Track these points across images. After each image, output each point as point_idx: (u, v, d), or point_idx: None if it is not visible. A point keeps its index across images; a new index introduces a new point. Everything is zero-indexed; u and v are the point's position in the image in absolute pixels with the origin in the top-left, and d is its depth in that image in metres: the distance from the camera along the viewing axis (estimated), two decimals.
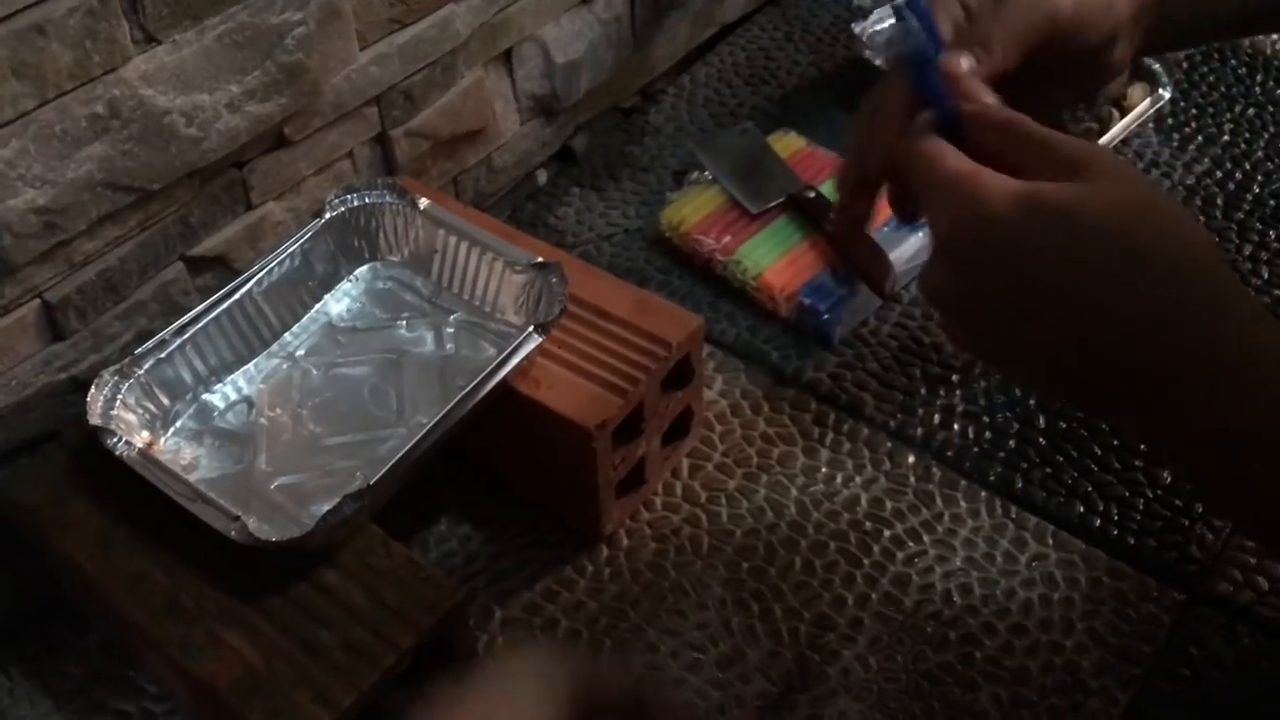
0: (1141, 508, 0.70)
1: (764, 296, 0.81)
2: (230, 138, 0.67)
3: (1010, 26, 0.52)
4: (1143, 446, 0.56)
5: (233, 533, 0.56)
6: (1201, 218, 0.88)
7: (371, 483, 0.57)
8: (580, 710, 0.42)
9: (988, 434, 0.75)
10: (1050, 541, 0.69)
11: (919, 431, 0.75)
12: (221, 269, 0.71)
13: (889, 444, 0.74)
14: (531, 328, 0.64)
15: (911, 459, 0.74)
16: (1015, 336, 0.46)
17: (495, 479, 0.73)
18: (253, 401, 0.66)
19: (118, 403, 0.62)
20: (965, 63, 0.50)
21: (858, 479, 0.73)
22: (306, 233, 0.68)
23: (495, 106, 0.84)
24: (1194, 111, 0.95)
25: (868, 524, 0.71)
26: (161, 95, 0.62)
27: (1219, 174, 0.91)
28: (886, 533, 0.70)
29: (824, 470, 0.73)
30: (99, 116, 0.60)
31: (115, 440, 0.60)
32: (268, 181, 0.71)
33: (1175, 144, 0.93)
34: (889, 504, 0.71)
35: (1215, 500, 0.50)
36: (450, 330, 0.70)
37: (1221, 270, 0.45)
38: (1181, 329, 0.43)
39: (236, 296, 0.66)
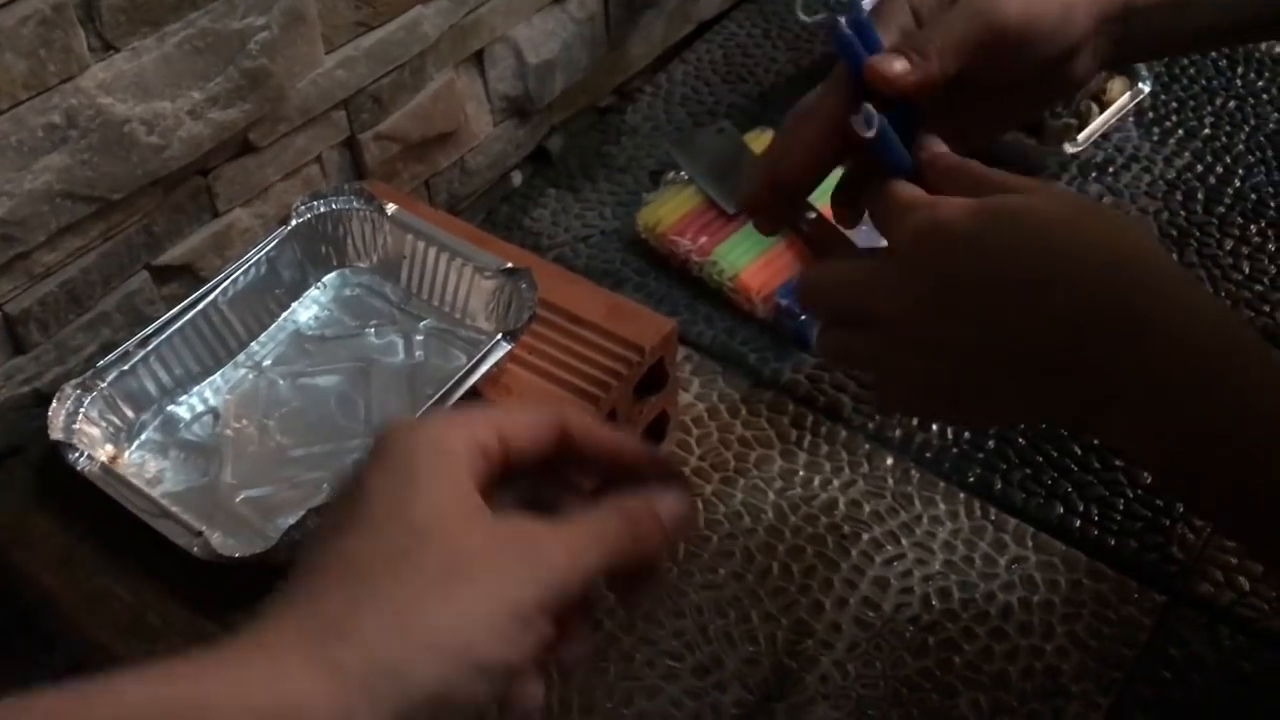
0: (1122, 508, 0.70)
1: (741, 298, 0.80)
2: (193, 145, 0.66)
3: (948, 35, 0.51)
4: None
5: (195, 549, 0.55)
6: (1182, 212, 0.87)
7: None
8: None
9: (966, 435, 0.74)
10: (1030, 543, 0.69)
11: (897, 433, 0.74)
12: (188, 278, 0.70)
13: (867, 446, 0.74)
14: (501, 335, 0.63)
15: (890, 461, 0.73)
16: (980, 345, 0.46)
17: None
18: (219, 413, 0.66)
19: (80, 416, 0.61)
20: (898, 65, 0.50)
21: (835, 482, 0.72)
22: (272, 240, 0.67)
23: (467, 108, 0.83)
24: (1174, 105, 0.94)
25: (846, 527, 0.70)
26: (121, 104, 0.61)
27: (1199, 168, 0.90)
28: (865, 536, 0.69)
29: (801, 473, 0.73)
30: (56, 126, 0.59)
31: (77, 455, 0.59)
32: (234, 188, 0.70)
33: (1155, 138, 0.92)
34: (867, 507, 0.71)
35: (1179, 497, 0.50)
36: (420, 338, 0.69)
37: (1171, 266, 0.46)
38: (1125, 315, 0.44)
39: (201, 306, 0.65)
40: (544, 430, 0.42)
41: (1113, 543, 0.68)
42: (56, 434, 0.59)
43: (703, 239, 0.82)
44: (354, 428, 0.65)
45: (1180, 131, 0.93)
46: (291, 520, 0.56)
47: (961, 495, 0.71)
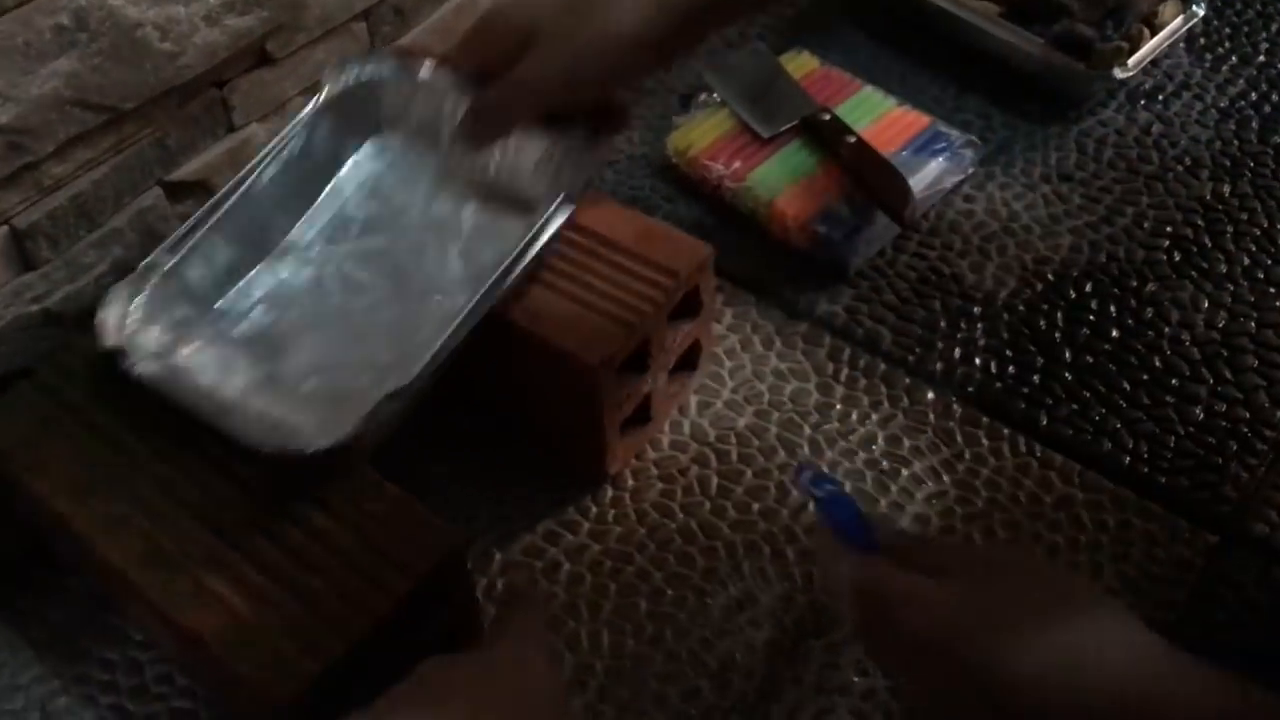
0: (1173, 445, 0.67)
1: (775, 225, 0.77)
2: (208, 54, 0.62)
3: None
4: None
5: (270, 445, 0.53)
6: (1235, 141, 0.83)
7: (410, 380, 0.54)
8: None
9: (1011, 369, 0.71)
10: (1077, 482, 0.66)
11: (939, 367, 0.71)
12: (203, 194, 0.67)
13: (907, 380, 0.71)
14: (562, 197, 0.60)
15: (931, 396, 0.70)
16: None
17: (495, 419, 0.70)
18: (270, 303, 0.62)
19: (130, 320, 0.58)
20: None
21: (874, 416, 0.69)
22: (304, 117, 0.64)
23: None
24: (1228, 30, 0.91)
25: (885, 463, 0.67)
26: (132, 6, 0.58)
27: (1254, 95, 0.86)
28: (904, 472, 0.67)
29: (839, 407, 0.70)
30: (64, 28, 0.56)
31: (133, 361, 0.56)
32: (250, 102, 0.67)
33: (1208, 64, 0.89)
34: (907, 442, 0.68)
35: None
36: (470, 205, 0.66)
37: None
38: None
39: (240, 193, 0.61)
40: None
41: (1163, 481, 0.66)
42: (109, 340, 0.57)
43: (736, 164, 0.79)
44: (413, 308, 0.62)
45: (1234, 58, 0.89)
46: (363, 409, 0.53)
47: (1006, 431, 0.68)
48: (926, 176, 0.78)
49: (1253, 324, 0.73)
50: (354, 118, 0.66)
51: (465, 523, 0.65)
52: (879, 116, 0.82)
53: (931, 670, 0.45)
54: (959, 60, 0.89)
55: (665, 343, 0.66)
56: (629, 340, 0.62)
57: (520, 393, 0.67)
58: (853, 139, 0.78)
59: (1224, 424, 0.68)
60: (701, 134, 0.81)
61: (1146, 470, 0.66)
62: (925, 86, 0.88)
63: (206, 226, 0.61)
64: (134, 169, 0.63)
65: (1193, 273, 0.76)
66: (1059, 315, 0.74)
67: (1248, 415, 0.68)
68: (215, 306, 0.62)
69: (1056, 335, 0.73)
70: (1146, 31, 0.85)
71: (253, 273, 0.63)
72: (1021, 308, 0.74)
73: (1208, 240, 0.78)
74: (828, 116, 0.80)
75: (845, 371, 0.72)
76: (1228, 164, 0.82)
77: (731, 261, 0.77)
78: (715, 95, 0.84)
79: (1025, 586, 0.45)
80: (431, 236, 0.65)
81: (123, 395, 0.59)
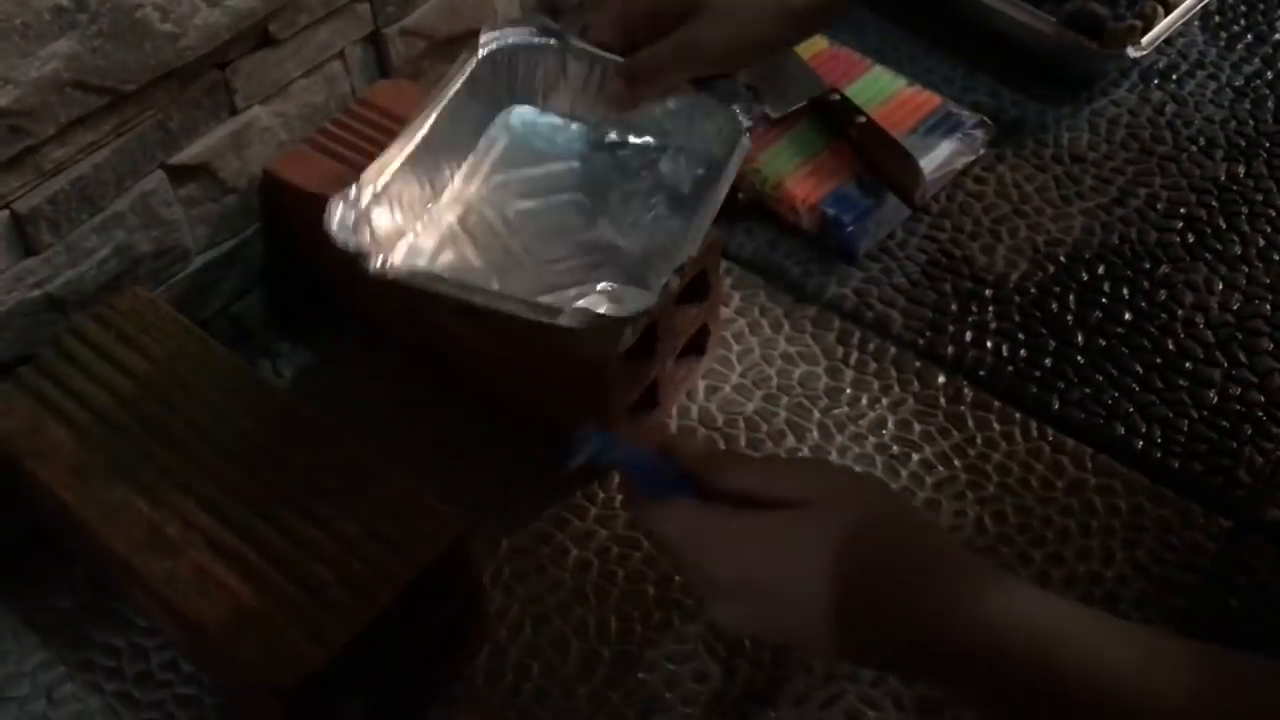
0: (1186, 429, 0.66)
1: (784, 207, 0.76)
2: (210, 35, 0.62)
3: None
4: None
5: (565, 319, 0.54)
6: (1250, 121, 0.82)
7: (695, 253, 0.58)
8: None
9: (1023, 352, 0.70)
10: (1089, 466, 0.65)
11: (950, 350, 0.71)
12: (206, 179, 0.66)
13: (917, 364, 0.70)
14: (747, 127, 0.63)
15: (942, 379, 0.69)
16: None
17: (501, 405, 0.69)
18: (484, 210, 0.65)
19: (363, 226, 0.59)
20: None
21: (884, 400, 0.69)
22: (457, 80, 0.65)
23: (496, 3, 0.79)
24: (1243, 8, 0.89)
25: (895, 447, 0.67)
26: None
27: (1269, 74, 0.85)
28: (915, 456, 0.66)
29: (848, 391, 0.69)
30: (64, 9, 0.55)
31: (380, 261, 0.58)
32: (252, 84, 0.66)
33: (1223, 43, 0.87)
34: (918, 426, 0.68)
35: None
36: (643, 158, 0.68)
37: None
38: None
39: (423, 133, 0.63)
40: None
41: (1176, 465, 0.65)
42: (346, 244, 0.57)
43: None
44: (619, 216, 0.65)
45: (1249, 36, 0.88)
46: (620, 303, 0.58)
47: (1017, 415, 0.68)
48: (937, 158, 0.77)
49: (1268, 306, 0.72)
50: (503, 80, 0.68)
51: (471, 510, 0.65)
52: (889, 97, 0.81)
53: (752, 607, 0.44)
54: (970, 39, 0.87)
55: (672, 327, 0.65)
56: (636, 325, 0.61)
57: (528, 379, 0.66)
58: (863, 120, 0.77)
59: (1238, 408, 0.67)
60: None
61: (1160, 455, 0.66)
62: (935, 66, 0.87)
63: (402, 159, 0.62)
64: (135, 152, 0.62)
65: (1207, 255, 0.75)
66: (1071, 298, 0.73)
67: (1262, 399, 0.67)
68: (429, 213, 0.65)
69: (1069, 318, 0.72)
70: (1160, 9, 0.84)
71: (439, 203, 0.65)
72: (1033, 290, 0.73)
73: (1222, 221, 0.77)
74: (837, 97, 0.79)
75: (855, 355, 0.71)
76: (1242, 144, 0.81)
77: (739, 244, 0.76)
78: None
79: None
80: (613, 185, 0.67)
81: (124, 379, 0.59)
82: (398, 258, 0.62)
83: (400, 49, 0.73)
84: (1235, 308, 0.72)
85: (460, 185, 0.66)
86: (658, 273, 0.59)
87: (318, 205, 0.66)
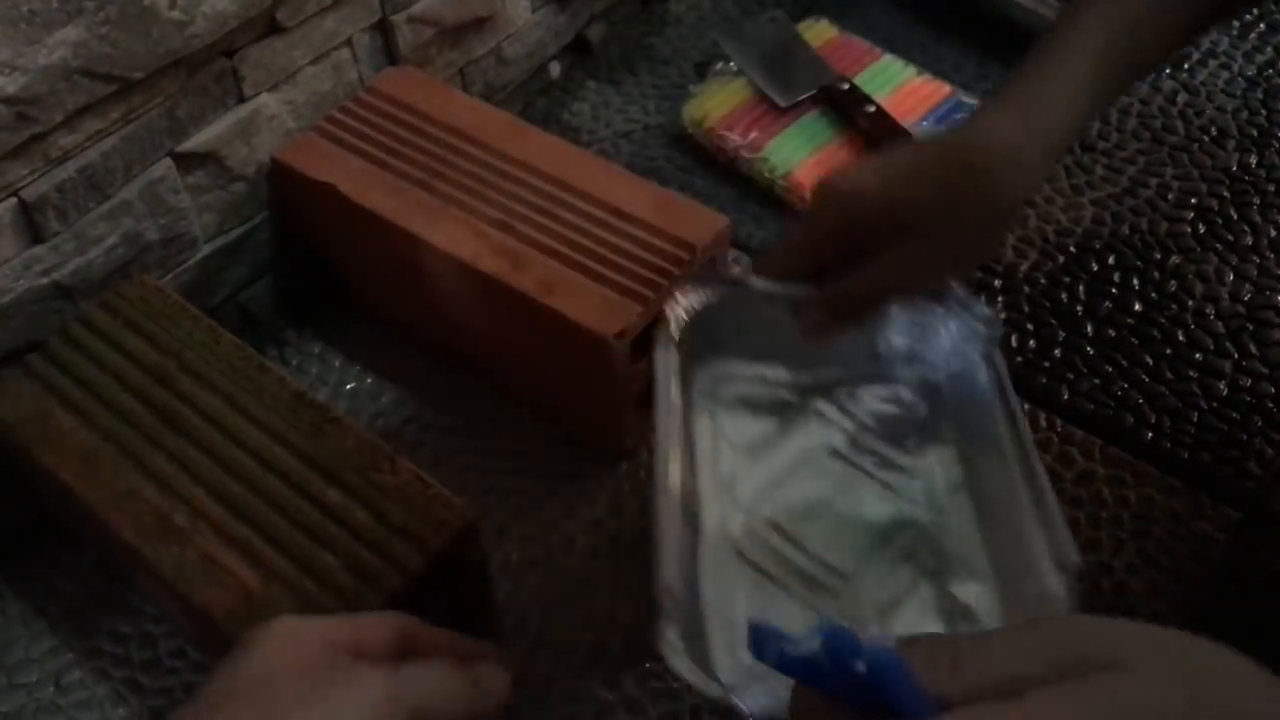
0: (1196, 420, 0.66)
1: (794, 197, 0.76)
2: (218, 23, 0.61)
3: None
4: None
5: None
6: (1263, 111, 0.82)
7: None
8: None
9: (1032, 343, 0.70)
10: (1098, 456, 0.65)
11: None
12: (213, 166, 0.66)
13: None
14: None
15: None
16: None
17: (510, 393, 0.69)
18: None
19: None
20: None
21: None
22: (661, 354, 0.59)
23: None
24: None
25: None
26: None
27: None
28: None
29: None
30: None
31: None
32: (260, 72, 0.66)
33: (1235, 32, 0.87)
34: None
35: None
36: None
37: None
38: None
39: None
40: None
41: (1186, 456, 0.65)
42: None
43: (753, 134, 0.78)
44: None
45: (1262, 25, 0.87)
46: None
47: (1026, 405, 0.67)
48: None
49: (1279, 297, 0.71)
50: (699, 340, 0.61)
51: (480, 498, 0.65)
52: (899, 86, 0.80)
53: None
54: (979, 28, 0.87)
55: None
56: (645, 314, 0.61)
57: (536, 367, 0.66)
58: (872, 108, 0.77)
59: (1249, 399, 0.67)
60: (718, 104, 0.80)
61: (1169, 445, 0.65)
62: (945, 55, 0.86)
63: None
64: (143, 140, 0.62)
65: (1218, 245, 0.74)
66: (1081, 288, 0.73)
67: (1273, 390, 0.67)
68: None
69: (1078, 308, 0.72)
70: None
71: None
72: (1043, 280, 0.73)
73: (1233, 212, 0.76)
74: (846, 86, 0.79)
75: None
76: (1255, 134, 0.80)
77: (747, 234, 0.76)
78: (732, 64, 0.83)
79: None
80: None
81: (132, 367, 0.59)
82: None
83: (408, 36, 0.73)
84: (1246, 298, 0.71)
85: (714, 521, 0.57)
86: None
87: (326, 193, 0.66)
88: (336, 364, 0.72)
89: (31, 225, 0.59)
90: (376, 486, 0.54)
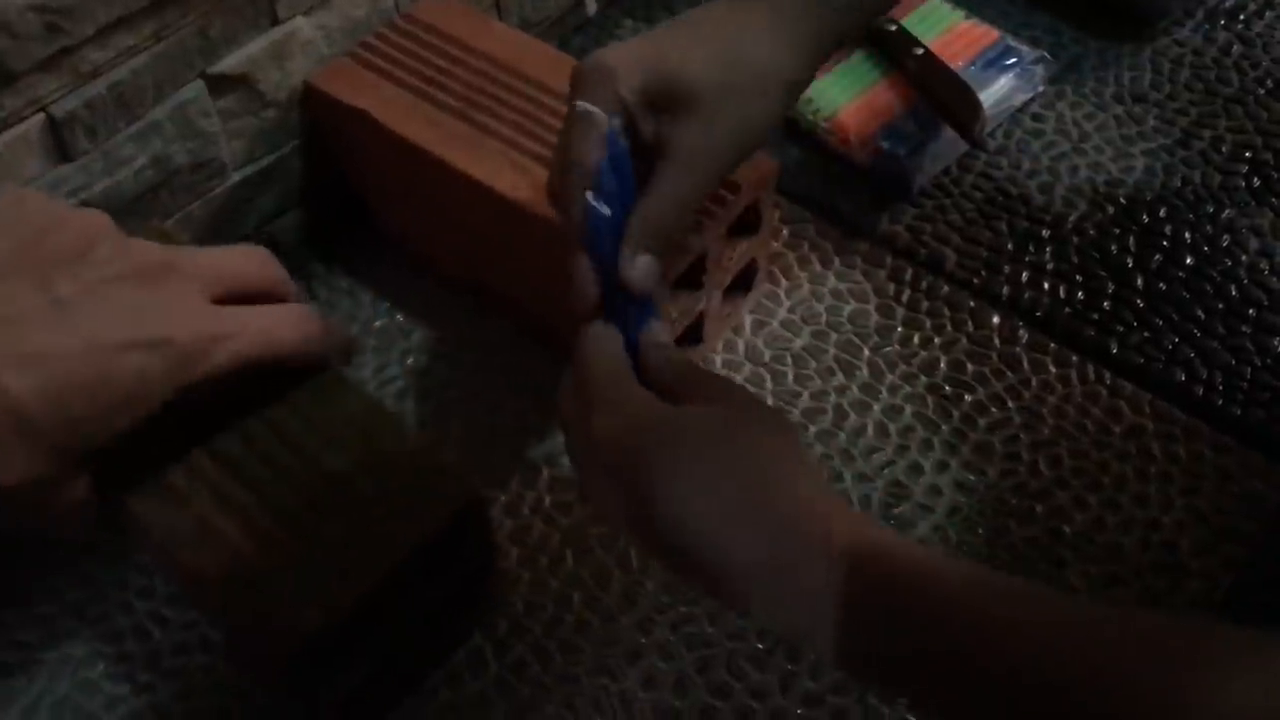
0: (1249, 376, 0.64)
1: (836, 140, 0.74)
2: None
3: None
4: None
5: None
6: None
7: None
8: None
9: (1081, 294, 0.68)
10: (1148, 411, 0.63)
11: (1005, 290, 0.69)
12: (244, 90, 0.64)
13: (972, 303, 0.68)
14: None
15: (996, 320, 0.67)
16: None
17: (543, 332, 0.67)
18: None
19: None
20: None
21: (937, 340, 0.67)
22: None
23: None
24: None
25: (947, 388, 0.65)
26: None
27: None
28: (968, 398, 0.64)
29: (900, 330, 0.67)
30: None
31: None
32: None
33: None
34: (971, 367, 0.66)
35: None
36: None
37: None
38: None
39: None
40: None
41: (1238, 413, 0.63)
42: None
43: None
44: None
45: None
46: None
47: (1074, 358, 0.66)
48: (996, 93, 0.75)
49: None
50: None
51: (512, 439, 0.63)
52: (946, 29, 0.78)
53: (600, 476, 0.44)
54: None
55: (721, 260, 0.63)
56: (684, 255, 0.59)
57: (568, 310, 0.64)
58: (920, 51, 0.75)
59: None
60: None
61: (1221, 402, 0.64)
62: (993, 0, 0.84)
63: None
64: (175, 59, 0.60)
65: (1273, 199, 0.72)
66: (1131, 240, 0.71)
67: None
68: None
69: (1128, 260, 0.70)
70: None
71: None
72: (1092, 231, 0.71)
73: None
74: (893, 27, 0.76)
75: (907, 293, 0.69)
76: None
77: (789, 177, 0.74)
78: None
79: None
80: None
81: None
82: None
83: None
84: None
85: None
86: None
87: (359, 120, 0.64)
88: (366, 300, 0.70)
89: (60, 143, 0.57)
90: (382, 456, 0.51)
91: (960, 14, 0.79)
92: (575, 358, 0.47)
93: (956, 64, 0.75)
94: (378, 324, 0.69)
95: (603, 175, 0.48)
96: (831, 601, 0.38)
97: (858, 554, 0.39)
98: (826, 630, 0.39)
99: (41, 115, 0.56)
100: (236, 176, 0.66)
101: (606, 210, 0.48)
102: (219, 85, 0.63)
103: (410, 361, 0.67)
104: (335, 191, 0.71)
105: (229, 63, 0.62)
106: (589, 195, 0.48)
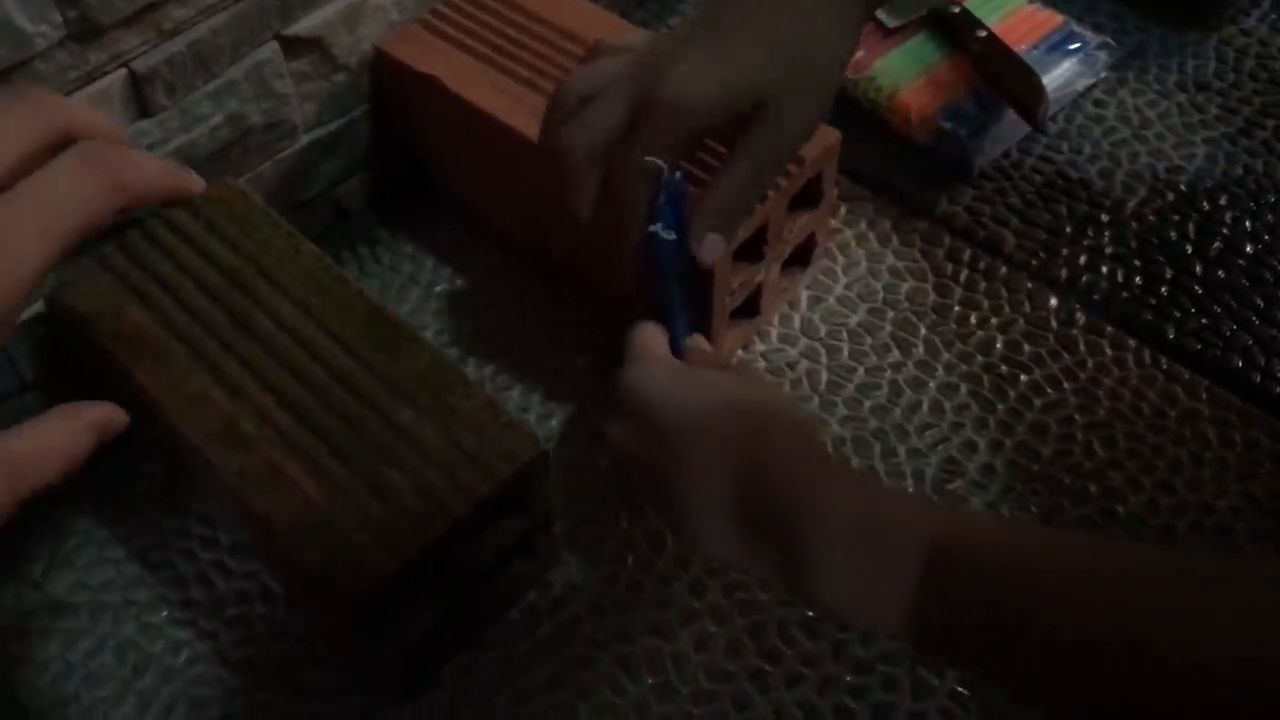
0: None
1: (898, 119, 0.74)
2: None
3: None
4: None
5: None
6: None
7: None
8: None
9: (1138, 279, 0.68)
10: (1204, 396, 0.63)
11: (1063, 273, 0.69)
12: (317, 53, 0.65)
13: (1029, 285, 0.68)
14: None
15: (1054, 302, 0.68)
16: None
17: (603, 301, 0.68)
18: None
19: None
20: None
21: (994, 320, 0.67)
22: None
23: None
24: None
25: (1003, 367, 0.65)
26: None
27: None
28: (1024, 378, 0.65)
29: (957, 309, 0.68)
30: None
31: None
32: None
33: None
34: (1027, 348, 0.66)
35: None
36: None
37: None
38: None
39: None
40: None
41: None
42: None
43: (860, 53, 0.76)
44: None
45: None
46: None
47: (1131, 342, 0.66)
48: (1059, 77, 0.75)
49: None
50: None
51: (571, 403, 0.64)
52: (1010, 12, 0.78)
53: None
54: None
55: (782, 232, 0.64)
56: (747, 226, 0.60)
57: (630, 279, 0.65)
58: (984, 33, 0.75)
59: None
60: None
61: (1278, 389, 0.63)
62: None
63: None
64: (253, 19, 0.61)
65: None
66: (1190, 227, 0.71)
67: None
68: None
69: (1187, 247, 0.70)
70: None
71: None
72: (1151, 217, 0.71)
73: None
74: (957, 9, 0.76)
75: (965, 273, 0.69)
76: None
77: (849, 155, 0.74)
78: None
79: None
80: None
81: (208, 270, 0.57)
82: None
83: None
84: None
85: None
86: None
87: (428, 86, 0.65)
88: (428, 265, 0.71)
89: (140, 98, 0.58)
90: (450, 409, 0.52)
91: None
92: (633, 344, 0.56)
93: (1019, 47, 0.75)
94: (439, 289, 0.70)
95: (660, 212, 0.53)
96: (913, 575, 0.39)
97: (940, 529, 0.39)
98: (902, 604, 0.39)
99: (124, 70, 0.57)
100: (306, 139, 0.67)
101: (671, 235, 0.53)
102: (293, 47, 0.64)
103: (470, 328, 0.68)
104: (401, 157, 0.72)
105: (304, 25, 0.63)
106: (656, 226, 0.53)
